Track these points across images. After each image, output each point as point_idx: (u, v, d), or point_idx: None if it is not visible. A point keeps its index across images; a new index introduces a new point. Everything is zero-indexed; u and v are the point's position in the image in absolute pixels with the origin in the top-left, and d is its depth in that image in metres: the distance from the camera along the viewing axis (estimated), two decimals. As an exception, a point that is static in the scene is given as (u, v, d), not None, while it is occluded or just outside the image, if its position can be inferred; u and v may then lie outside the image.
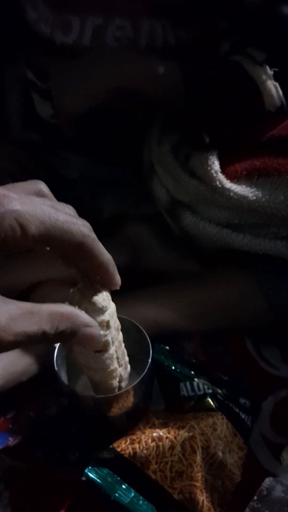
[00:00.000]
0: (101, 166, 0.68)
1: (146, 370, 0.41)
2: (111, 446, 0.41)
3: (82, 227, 0.28)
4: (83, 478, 0.39)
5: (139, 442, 0.41)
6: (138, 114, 0.60)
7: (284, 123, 0.51)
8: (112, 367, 0.33)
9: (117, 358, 0.34)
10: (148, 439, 0.41)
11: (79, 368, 0.48)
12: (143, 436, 0.42)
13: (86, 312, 0.29)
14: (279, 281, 0.53)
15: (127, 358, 0.37)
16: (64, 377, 0.43)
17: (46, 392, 0.49)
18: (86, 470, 0.39)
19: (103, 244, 0.30)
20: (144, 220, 0.64)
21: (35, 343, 0.25)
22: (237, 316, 0.55)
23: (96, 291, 0.30)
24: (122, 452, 0.40)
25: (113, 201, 0.67)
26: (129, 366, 0.37)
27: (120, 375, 0.36)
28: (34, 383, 0.48)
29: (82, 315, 0.28)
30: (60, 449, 0.45)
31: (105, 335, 0.30)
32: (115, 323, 0.32)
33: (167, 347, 0.51)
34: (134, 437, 0.42)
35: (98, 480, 0.39)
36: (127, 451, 0.40)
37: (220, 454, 0.42)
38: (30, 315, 0.25)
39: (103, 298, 0.30)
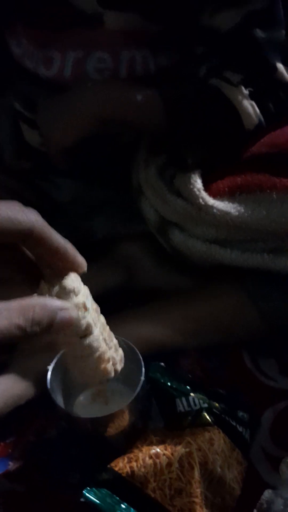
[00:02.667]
0: (92, 189, 0.70)
1: (139, 387, 0.42)
2: (108, 466, 0.41)
3: (28, 214, 0.28)
4: (82, 500, 0.39)
5: (136, 461, 0.41)
6: (124, 140, 0.62)
7: (263, 140, 0.53)
8: (101, 349, 0.33)
9: (104, 339, 0.34)
10: (146, 456, 0.42)
11: (76, 388, 0.49)
12: (140, 454, 0.42)
13: (59, 298, 0.29)
14: (269, 293, 0.54)
15: (115, 341, 0.36)
16: (59, 399, 0.44)
17: (44, 415, 0.49)
18: (84, 491, 0.40)
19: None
20: (136, 239, 0.65)
21: (13, 339, 0.25)
22: (231, 330, 0.56)
23: (63, 275, 0.30)
24: (120, 471, 0.41)
25: (105, 222, 0.69)
26: (120, 350, 0.37)
27: (113, 357, 0.35)
28: (32, 406, 0.48)
29: (55, 301, 0.28)
30: (61, 472, 0.46)
31: (84, 317, 0.30)
32: (92, 305, 0.32)
33: (163, 364, 0.52)
34: (132, 455, 0.42)
35: (97, 501, 0.39)
36: (125, 470, 0.41)
37: (219, 470, 0.43)
38: None
39: (72, 280, 0.30)
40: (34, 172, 0.71)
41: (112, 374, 0.35)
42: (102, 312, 0.36)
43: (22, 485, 0.45)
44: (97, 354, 0.32)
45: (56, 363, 0.46)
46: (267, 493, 0.41)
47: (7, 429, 0.49)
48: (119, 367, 0.36)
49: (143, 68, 0.56)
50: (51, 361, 0.46)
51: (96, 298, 0.53)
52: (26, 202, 0.72)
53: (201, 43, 0.56)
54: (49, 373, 0.44)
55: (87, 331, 0.31)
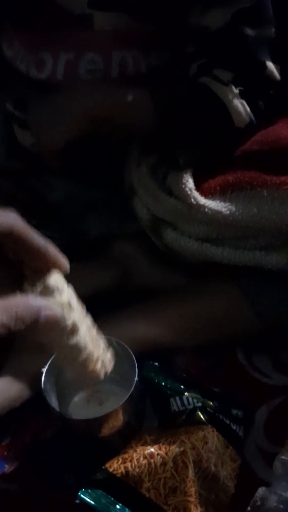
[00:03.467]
0: (85, 189, 0.70)
1: (132, 387, 0.42)
2: (103, 467, 0.41)
3: (7, 215, 0.28)
4: (77, 501, 0.39)
5: (131, 461, 0.42)
6: (116, 140, 0.62)
7: (253, 138, 0.53)
8: (88, 350, 0.33)
9: (92, 340, 0.34)
10: (140, 456, 0.42)
11: (71, 389, 0.49)
12: (134, 454, 0.42)
13: (43, 296, 0.29)
14: (263, 289, 0.54)
15: (103, 342, 0.37)
16: (54, 401, 0.44)
17: (39, 417, 0.49)
18: (79, 493, 0.40)
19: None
20: (130, 239, 0.66)
21: None
22: (225, 328, 0.56)
23: (46, 275, 0.30)
24: (115, 472, 0.41)
25: (99, 222, 0.69)
26: (109, 351, 0.37)
27: (102, 360, 0.35)
28: (27, 407, 0.49)
29: (38, 299, 0.28)
30: (56, 473, 0.46)
31: (70, 316, 0.30)
32: (77, 305, 0.33)
33: (157, 364, 0.52)
34: (126, 455, 0.42)
35: (92, 502, 0.40)
36: (119, 471, 0.41)
37: (213, 468, 0.43)
38: None
39: (55, 279, 0.30)
40: (27, 173, 0.71)
41: (102, 375, 0.35)
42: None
43: (18, 486, 0.45)
44: (85, 354, 0.32)
45: (50, 365, 0.46)
46: (261, 491, 0.42)
47: (2, 431, 0.49)
48: (109, 368, 0.36)
49: (134, 68, 0.56)
50: (45, 363, 0.46)
51: (91, 296, 0.53)
52: (21, 203, 0.72)
53: (191, 42, 0.56)
54: (43, 375, 0.44)
55: (73, 330, 0.31)
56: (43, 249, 0.30)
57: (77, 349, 0.32)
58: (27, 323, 0.27)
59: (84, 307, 0.34)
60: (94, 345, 0.34)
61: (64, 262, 0.31)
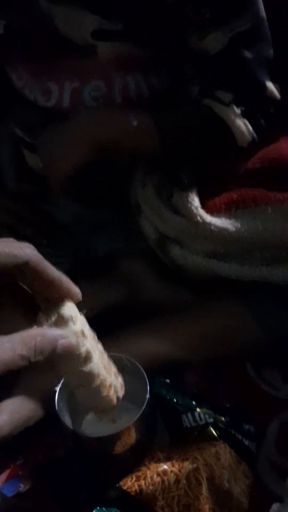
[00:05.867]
0: (92, 210, 0.72)
1: (144, 405, 0.42)
2: (117, 485, 0.42)
3: (24, 248, 0.30)
4: (92, 519, 0.40)
5: (144, 478, 0.42)
6: (121, 162, 0.64)
7: (256, 155, 0.54)
8: (101, 376, 0.34)
9: (104, 367, 0.35)
10: (153, 474, 0.42)
11: (83, 407, 0.50)
12: (148, 472, 0.42)
13: (57, 327, 0.30)
14: (269, 305, 0.54)
15: (115, 367, 0.37)
16: (67, 419, 0.45)
17: (52, 435, 0.50)
18: (94, 511, 0.40)
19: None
20: (138, 256, 0.67)
21: (19, 368, 0.26)
22: (233, 343, 0.57)
23: (60, 305, 0.31)
24: (129, 490, 0.41)
25: (107, 241, 0.70)
26: (120, 377, 0.38)
27: (114, 385, 0.36)
28: (40, 426, 0.49)
29: (54, 330, 0.29)
30: (70, 491, 0.46)
31: (84, 344, 0.31)
32: (90, 332, 0.33)
33: (167, 380, 0.52)
34: (140, 473, 0.43)
35: (107, 520, 0.40)
36: (133, 489, 0.41)
37: (226, 484, 0.43)
38: (2, 345, 0.26)
39: (69, 308, 0.31)
40: (36, 195, 0.73)
41: (115, 401, 0.35)
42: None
43: (32, 505, 0.45)
44: (98, 380, 0.33)
45: (63, 383, 0.47)
46: (275, 506, 0.42)
47: (16, 450, 0.49)
48: (121, 393, 0.37)
49: (137, 92, 0.58)
50: (58, 382, 0.47)
51: (100, 314, 0.54)
52: (30, 223, 0.73)
53: (191, 65, 0.58)
54: (56, 394, 0.45)
55: (87, 357, 0.32)
56: (57, 280, 0.31)
57: (91, 376, 0.33)
58: (45, 354, 0.28)
59: (95, 333, 0.35)
60: (107, 371, 0.35)
61: (77, 291, 0.32)
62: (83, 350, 0.31)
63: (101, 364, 0.34)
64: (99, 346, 0.35)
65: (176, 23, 0.55)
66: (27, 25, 0.56)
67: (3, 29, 0.56)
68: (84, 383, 0.33)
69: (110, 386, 0.34)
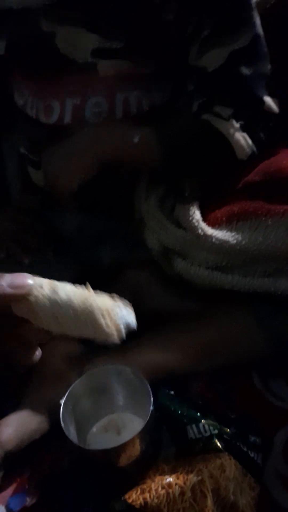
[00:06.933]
0: (97, 221, 0.73)
1: (148, 417, 0.43)
2: (122, 498, 0.42)
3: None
4: (98, 533, 0.40)
5: (149, 491, 0.42)
6: (124, 175, 0.65)
7: (256, 169, 0.55)
8: (78, 306, 0.32)
9: (85, 299, 0.33)
10: (158, 487, 0.42)
11: (89, 420, 0.50)
12: (153, 485, 0.42)
13: None
14: (273, 315, 0.55)
15: (109, 302, 0.34)
16: (72, 432, 0.45)
17: (58, 448, 0.50)
18: (99, 524, 0.40)
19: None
20: (142, 266, 0.67)
21: None
22: (239, 353, 0.57)
23: None
24: (134, 503, 0.41)
25: (111, 252, 0.71)
26: (127, 309, 0.35)
27: (108, 314, 0.33)
28: (46, 439, 0.49)
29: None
30: (75, 505, 0.46)
31: (39, 280, 0.32)
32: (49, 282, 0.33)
33: (172, 392, 0.53)
34: (144, 486, 0.43)
35: (112, 533, 0.40)
36: (138, 502, 0.41)
37: (232, 496, 0.43)
38: None
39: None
40: (41, 206, 0.75)
41: (109, 330, 0.32)
42: None
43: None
44: (77, 309, 0.32)
45: (67, 396, 0.47)
46: (281, 519, 0.42)
47: (23, 463, 0.50)
48: (130, 319, 0.34)
49: (137, 107, 0.60)
50: (63, 394, 0.47)
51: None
52: (35, 234, 0.74)
53: (191, 82, 0.59)
54: (61, 407, 0.45)
55: (52, 288, 0.32)
56: None
57: (64, 306, 0.32)
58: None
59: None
60: (85, 302, 0.33)
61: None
62: (40, 281, 0.32)
63: (78, 297, 0.32)
64: (72, 285, 0.34)
65: (175, 41, 0.56)
66: (28, 44, 0.57)
67: (4, 50, 0.58)
68: (57, 315, 0.32)
69: (101, 316, 0.32)
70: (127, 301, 0.35)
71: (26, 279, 0.31)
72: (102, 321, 0.32)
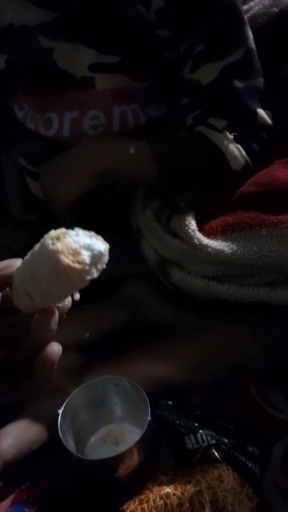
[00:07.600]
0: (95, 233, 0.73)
1: (145, 427, 0.43)
2: (120, 508, 0.42)
3: None
4: None
5: (147, 502, 0.42)
6: (120, 188, 0.66)
7: (250, 179, 0.56)
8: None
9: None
10: (156, 497, 0.42)
11: (87, 430, 0.51)
12: (151, 495, 0.43)
13: None
14: (270, 325, 0.55)
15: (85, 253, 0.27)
16: (70, 442, 0.45)
17: (56, 458, 0.50)
18: (97, 535, 0.40)
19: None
20: (140, 279, 0.68)
21: None
22: (236, 364, 0.57)
23: None
24: (132, 514, 0.41)
25: (109, 264, 0.71)
26: (100, 245, 0.29)
27: (73, 250, 0.26)
28: (44, 449, 0.49)
29: None
30: (74, 516, 0.46)
31: None
32: None
33: (170, 402, 0.53)
34: (143, 496, 0.43)
35: None
36: (136, 512, 0.41)
37: (230, 507, 0.43)
38: None
39: None
40: (39, 221, 0.75)
41: (80, 266, 0.26)
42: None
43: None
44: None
45: (65, 407, 0.47)
46: (279, 529, 0.41)
47: (21, 474, 0.50)
48: (102, 261, 0.29)
49: (134, 121, 0.61)
50: (61, 405, 0.47)
51: (103, 337, 0.54)
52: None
53: (185, 95, 0.61)
54: (59, 418, 0.46)
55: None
56: None
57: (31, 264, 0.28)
58: None
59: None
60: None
61: None
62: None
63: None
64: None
65: (170, 56, 0.58)
66: (27, 60, 0.59)
67: (4, 64, 0.60)
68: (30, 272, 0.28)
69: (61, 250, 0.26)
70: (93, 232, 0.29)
71: (13, 260, 0.29)
72: (58, 245, 0.26)
